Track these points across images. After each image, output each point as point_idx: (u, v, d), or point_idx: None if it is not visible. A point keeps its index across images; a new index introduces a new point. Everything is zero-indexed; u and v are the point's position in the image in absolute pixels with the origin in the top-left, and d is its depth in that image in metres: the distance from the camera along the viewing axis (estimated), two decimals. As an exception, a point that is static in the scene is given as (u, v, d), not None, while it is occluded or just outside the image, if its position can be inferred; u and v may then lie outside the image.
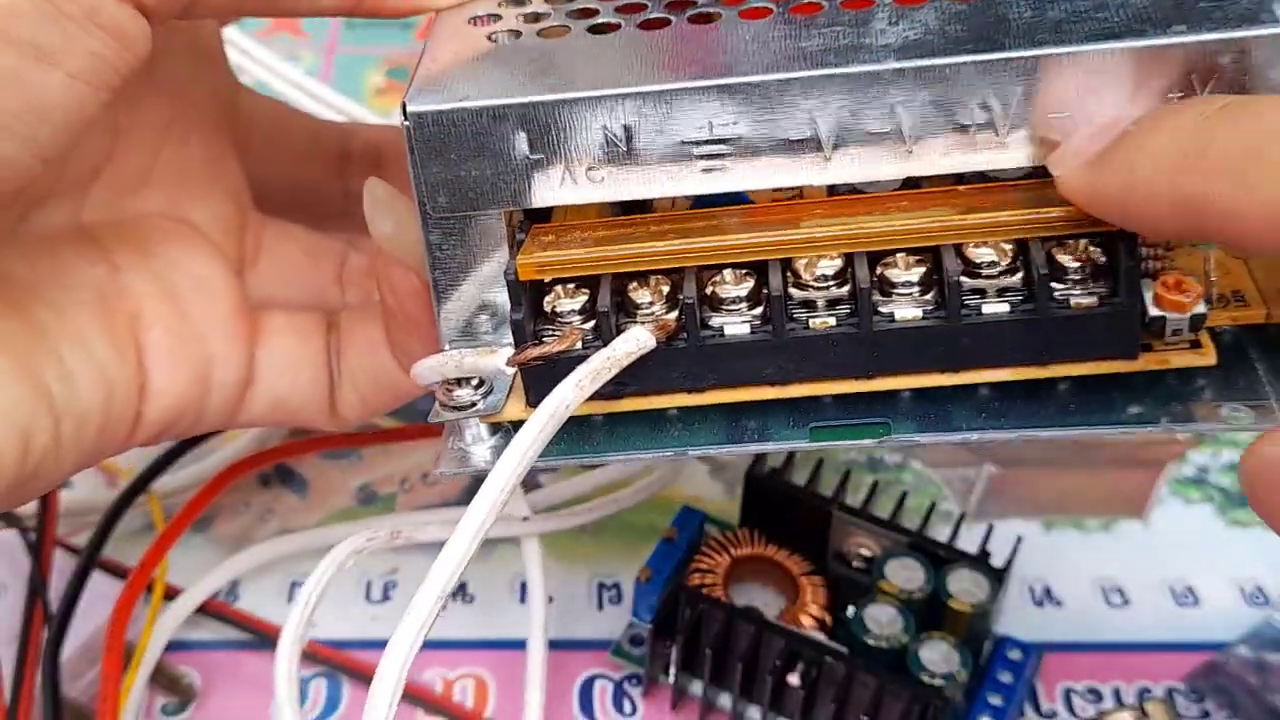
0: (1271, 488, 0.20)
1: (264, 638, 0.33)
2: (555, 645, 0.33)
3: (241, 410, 0.28)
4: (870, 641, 0.30)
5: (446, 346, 0.25)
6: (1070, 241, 0.22)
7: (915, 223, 0.22)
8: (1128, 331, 0.22)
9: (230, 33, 0.47)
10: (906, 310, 0.23)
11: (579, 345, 0.23)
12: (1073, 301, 0.22)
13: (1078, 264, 0.22)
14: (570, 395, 0.22)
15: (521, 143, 0.22)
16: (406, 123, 0.22)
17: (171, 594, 0.33)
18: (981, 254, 0.23)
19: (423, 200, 0.23)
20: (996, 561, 0.31)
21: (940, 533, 0.32)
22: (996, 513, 0.37)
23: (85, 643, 0.31)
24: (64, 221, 0.27)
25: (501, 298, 0.24)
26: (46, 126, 0.22)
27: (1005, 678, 0.31)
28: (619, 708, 0.32)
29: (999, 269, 0.23)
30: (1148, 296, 0.22)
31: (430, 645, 0.33)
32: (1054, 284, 0.22)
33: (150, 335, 0.26)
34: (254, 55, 0.49)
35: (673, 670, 0.31)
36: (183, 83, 0.28)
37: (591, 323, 0.23)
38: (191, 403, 0.27)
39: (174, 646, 0.33)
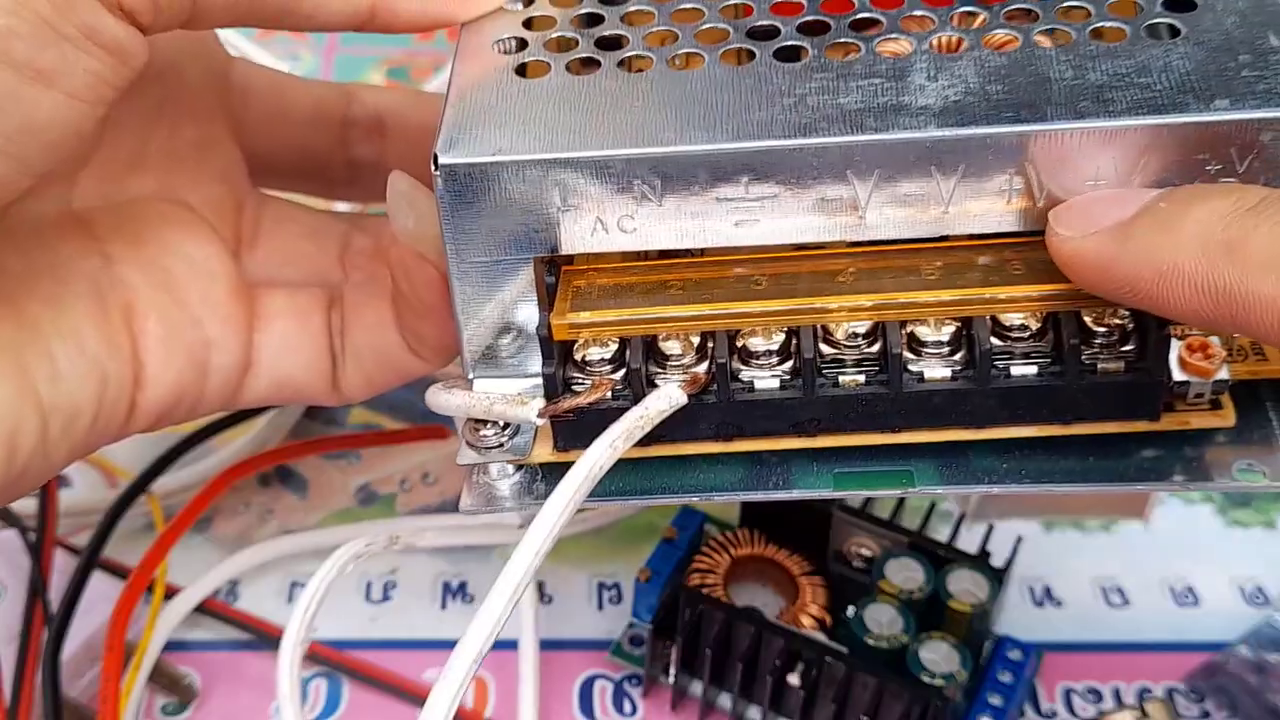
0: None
1: (264, 638, 0.33)
2: (555, 645, 0.34)
3: (242, 392, 0.27)
4: (870, 641, 0.30)
5: (471, 374, 0.25)
6: (1101, 306, 0.23)
7: (948, 295, 0.22)
8: (1153, 396, 0.23)
9: (228, 34, 0.47)
10: (936, 370, 0.23)
11: (609, 395, 0.23)
12: (1100, 367, 0.23)
13: (1105, 329, 0.23)
14: (604, 455, 0.22)
15: (554, 196, 0.22)
16: (437, 174, 0.22)
17: (172, 594, 0.33)
18: (1012, 319, 0.23)
19: (452, 248, 0.23)
20: (996, 562, 0.31)
21: (940, 533, 0.32)
22: (996, 513, 0.37)
23: (85, 642, 0.32)
24: (54, 210, 0.26)
25: (523, 317, 0.24)
26: (39, 145, 0.22)
27: (1005, 678, 0.31)
28: (619, 708, 0.32)
29: (1029, 334, 0.23)
30: (1172, 359, 0.23)
31: (430, 645, 0.34)
32: (1084, 350, 0.23)
33: (145, 324, 0.26)
34: (252, 56, 0.49)
35: (673, 670, 0.31)
36: (172, 65, 0.27)
37: (621, 372, 0.23)
38: (189, 388, 0.26)
39: (174, 646, 0.33)
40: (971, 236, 0.23)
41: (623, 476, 0.24)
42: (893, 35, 0.23)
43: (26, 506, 0.34)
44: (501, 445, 0.24)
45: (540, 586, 0.35)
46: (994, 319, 0.23)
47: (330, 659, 0.33)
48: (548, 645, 0.34)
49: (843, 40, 0.23)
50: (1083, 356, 0.23)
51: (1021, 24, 0.23)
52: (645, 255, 0.24)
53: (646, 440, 0.23)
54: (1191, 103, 0.21)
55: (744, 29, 0.24)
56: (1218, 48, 0.22)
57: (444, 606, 0.34)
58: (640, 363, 0.23)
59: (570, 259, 0.24)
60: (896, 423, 0.23)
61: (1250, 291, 0.19)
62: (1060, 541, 0.36)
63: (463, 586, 0.35)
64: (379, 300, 0.27)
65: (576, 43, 0.24)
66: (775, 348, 0.23)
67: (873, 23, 0.23)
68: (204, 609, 0.34)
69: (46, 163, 0.22)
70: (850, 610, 0.31)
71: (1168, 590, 0.35)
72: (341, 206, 0.36)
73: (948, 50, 0.23)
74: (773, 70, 0.23)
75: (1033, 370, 0.23)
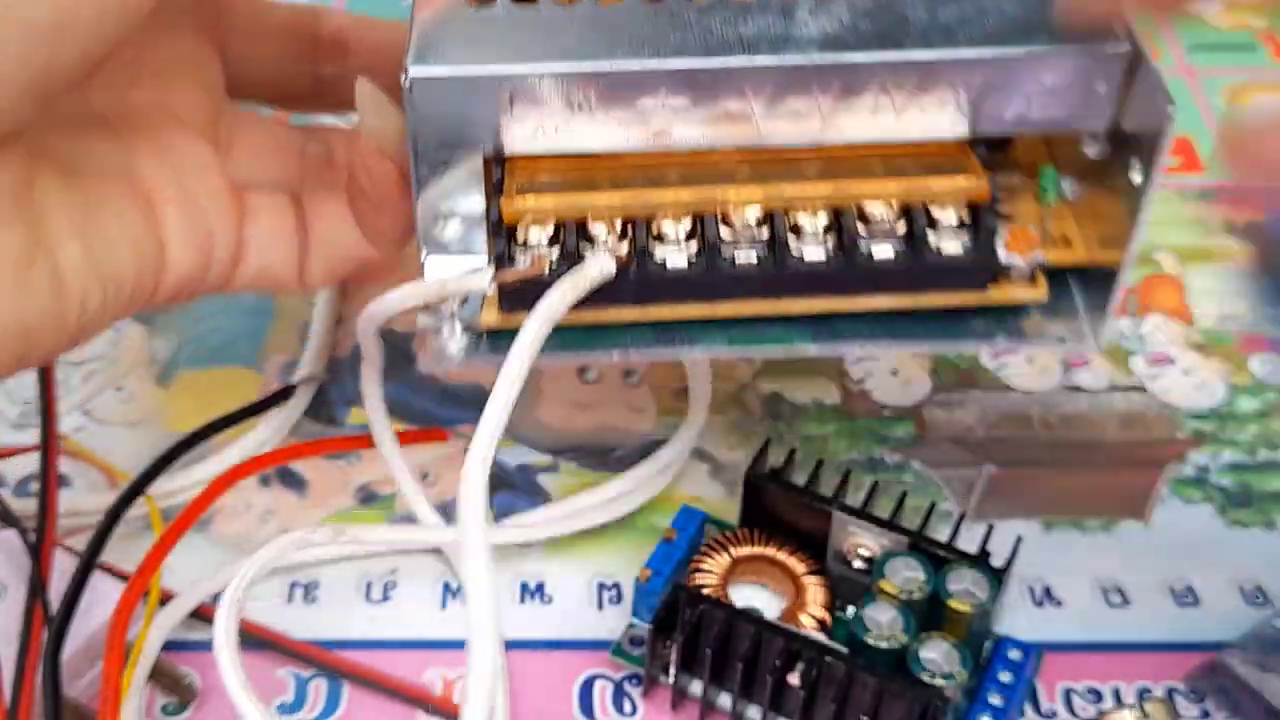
0: None
1: (263, 640, 0.33)
2: (555, 645, 0.34)
3: (232, 281, 0.31)
4: (870, 641, 0.30)
5: (423, 255, 0.29)
6: (945, 201, 0.28)
7: (823, 188, 0.28)
8: (984, 272, 0.29)
9: None
10: (813, 251, 0.28)
11: (547, 270, 0.28)
12: (942, 248, 0.28)
13: (948, 218, 0.28)
14: (557, 300, 0.27)
15: (505, 103, 0.26)
16: (407, 84, 0.26)
17: (169, 598, 0.33)
18: (874, 209, 0.28)
19: (415, 143, 0.27)
20: (996, 562, 0.31)
21: (940, 533, 0.32)
22: (996, 513, 0.37)
23: (86, 643, 0.31)
24: (80, 110, 0.28)
25: (467, 207, 0.28)
26: (109, 26, 0.25)
27: (1005, 677, 0.31)
28: (619, 708, 0.32)
29: (887, 221, 0.28)
30: (999, 244, 0.28)
31: (431, 645, 0.34)
32: (930, 234, 0.28)
33: (165, 212, 0.29)
34: None
35: (672, 670, 0.31)
36: None
37: (557, 249, 0.28)
38: (196, 274, 0.30)
39: (174, 646, 0.33)
40: (844, 144, 0.28)
41: (559, 339, 0.28)
42: None
43: (26, 507, 0.34)
44: (453, 314, 0.29)
45: (540, 586, 0.35)
46: (859, 209, 0.28)
47: (330, 660, 0.33)
48: (547, 645, 0.34)
49: None
50: (929, 239, 0.28)
51: None
52: (579, 157, 0.28)
53: (577, 308, 0.28)
54: (1017, 39, 0.26)
55: None
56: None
57: (444, 607, 0.34)
58: (574, 241, 0.28)
59: (511, 157, 0.28)
60: (781, 293, 0.29)
61: None
62: (1060, 541, 0.36)
63: (463, 587, 0.35)
64: (337, 199, 0.31)
65: None
66: (685, 232, 0.28)
67: None
68: (202, 615, 0.33)
69: (105, 48, 0.25)
70: (850, 610, 0.31)
71: (1168, 590, 0.35)
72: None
73: None
74: (683, 6, 0.27)
75: (889, 251, 0.28)
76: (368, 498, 0.37)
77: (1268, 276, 0.44)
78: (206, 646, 0.33)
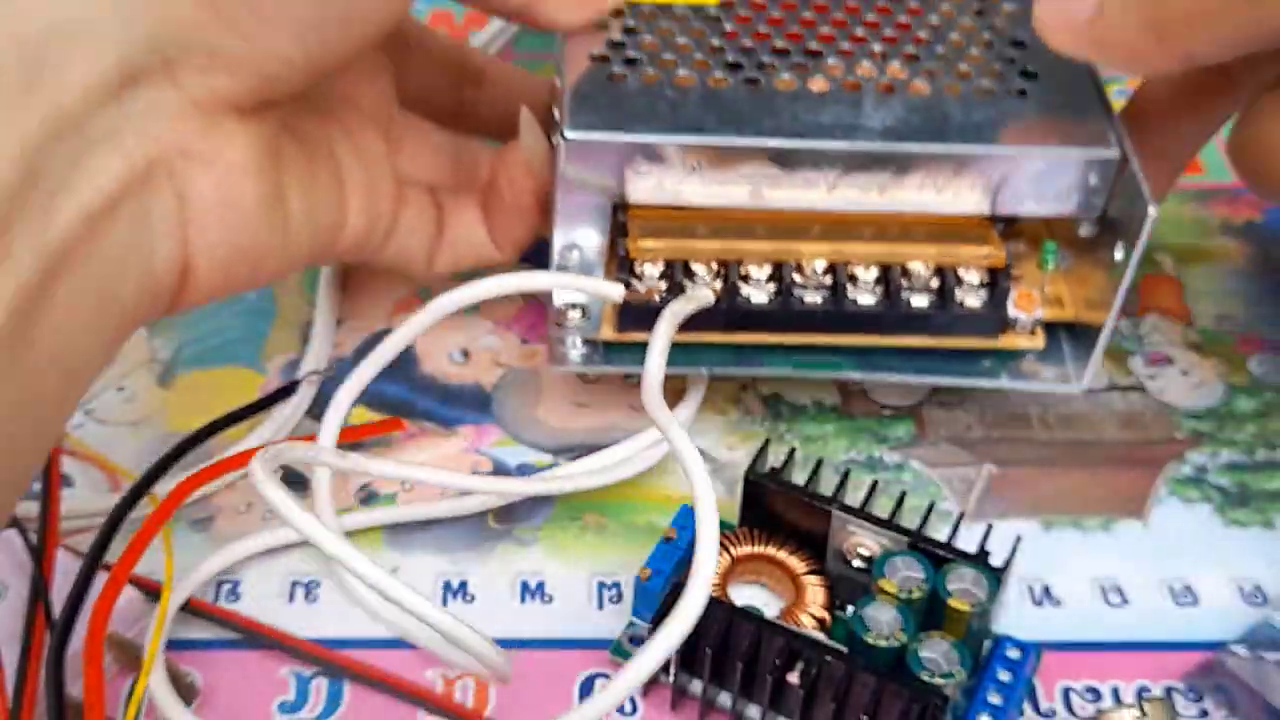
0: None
1: (262, 638, 0.33)
2: (555, 644, 0.34)
3: (380, 254, 0.37)
4: (870, 640, 0.30)
5: (553, 268, 0.35)
6: (970, 265, 0.35)
7: (876, 249, 0.35)
8: (997, 324, 0.36)
9: None
10: (865, 298, 0.35)
11: (658, 298, 0.34)
12: (965, 303, 0.35)
13: (971, 279, 0.35)
14: (670, 319, 0.32)
15: (635, 163, 0.33)
16: (562, 143, 0.32)
17: (152, 590, 0.33)
18: (915, 267, 0.35)
19: (560, 188, 0.33)
20: (995, 561, 0.32)
21: (940, 532, 0.32)
22: (996, 513, 0.37)
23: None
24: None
25: (591, 242, 0.35)
26: (372, 28, 0.32)
27: (1005, 677, 0.31)
28: (619, 707, 0.32)
29: (924, 278, 0.35)
30: (1009, 302, 0.35)
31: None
32: (957, 291, 0.35)
33: (351, 188, 0.35)
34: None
35: (672, 670, 0.31)
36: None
37: (665, 283, 0.35)
38: (361, 240, 0.35)
39: (176, 646, 0.33)
40: (896, 212, 0.34)
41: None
42: (851, 78, 0.34)
43: (27, 509, 0.34)
44: (577, 327, 0.35)
45: (540, 585, 0.35)
46: (903, 266, 0.35)
47: (330, 659, 0.33)
48: (548, 644, 0.34)
49: (819, 75, 0.34)
50: (956, 295, 0.35)
51: (934, 75, 0.34)
52: (685, 209, 0.34)
53: (678, 330, 0.33)
54: (1033, 141, 0.33)
55: (755, 62, 0.35)
56: (1052, 105, 0.34)
57: (445, 605, 0.35)
58: (680, 277, 0.35)
59: (634, 205, 0.34)
60: (837, 330, 0.35)
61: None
62: (1059, 541, 0.36)
63: (463, 585, 0.35)
64: (473, 206, 0.38)
65: (644, 60, 0.34)
66: (766, 275, 0.35)
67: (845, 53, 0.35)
68: (200, 612, 0.34)
69: (370, 42, 0.32)
70: (849, 610, 0.31)
71: (1166, 590, 0.35)
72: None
73: (886, 91, 0.34)
74: (775, 93, 0.34)
75: (925, 301, 0.35)
76: (368, 497, 0.37)
77: (1266, 277, 0.44)
78: (207, 646, 0.33)
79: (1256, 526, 0.37)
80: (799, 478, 0.33)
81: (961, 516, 0.33)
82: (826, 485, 0.33)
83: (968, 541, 0.32)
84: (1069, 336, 0.36)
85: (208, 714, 0.32)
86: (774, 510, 0.33)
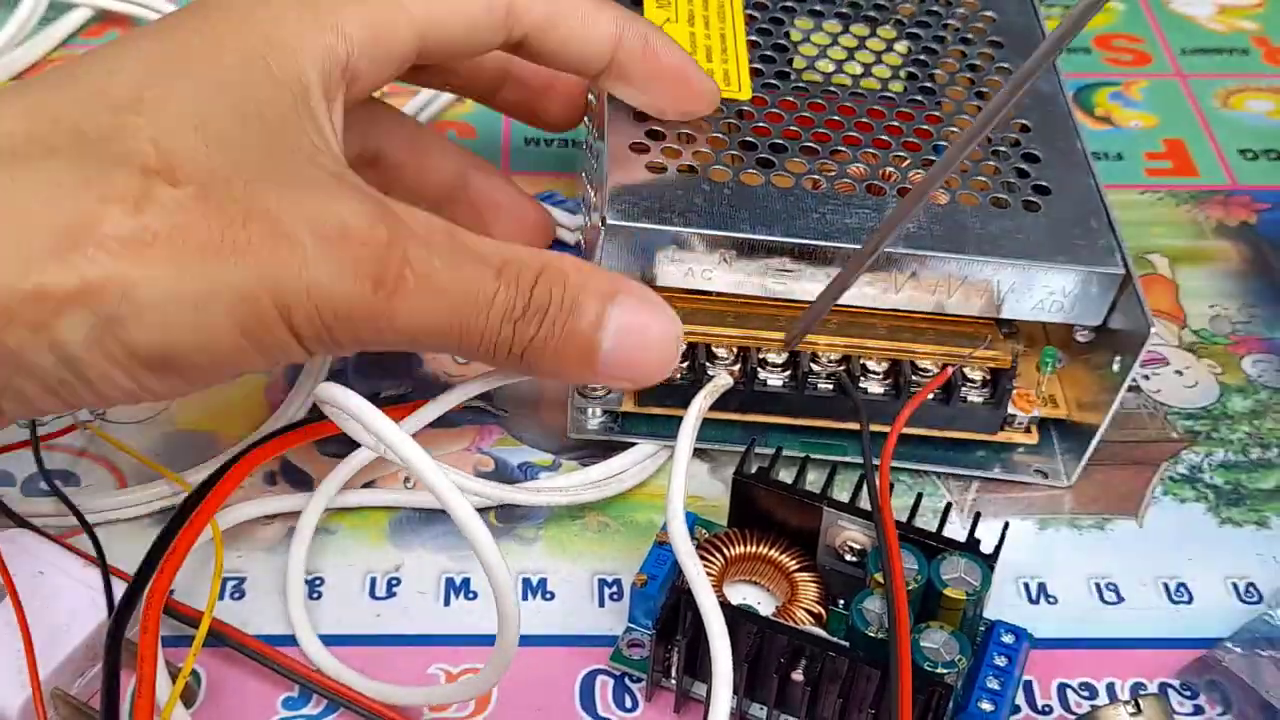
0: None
1: (260, 657, 0.33)
2: (556, 641, 0.34)
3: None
4: (871, 634, 0.30)
5: None
6: (976, 364, 0.37)
7: (888, 345, 0.36)
8: (996, 421, 0.37)
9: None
10: (875, 388, 0.37)
11: (678, 377, 0.36)
12: (969, 398, 0.37)
13: (975, 378, 0.37)
14: (701, 401, 0.34)
15: (668, 249, 0.34)
16: (603, 229, 0.34)
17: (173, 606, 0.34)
18: (924, 363, 0.36)
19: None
20: (985, 548, 0.32)
21: (929, 523, 0.33)
22: (992, 511, 0.37)
23: (86, 642, 0.32)
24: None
25: None
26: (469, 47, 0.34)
27: (1000, 661, 0.31)
28: (620, 704, 0.33)
29: (931, 373, 0.36)
30: (1009, 402, 0.37)
31: (434, 641, 0.34)
32: (962, 387, 0.36)
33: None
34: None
35: (676, 673, 0.32)
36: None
37: (687, 363, 0.36)
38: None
39: (176, 644, 0.33)
40: (909, 311, 0.36)
41: (673, 427, 0.33)
42: (874, 182, 0.36)
43: (30, 508, 0.34)
44: (601, 396, 0.37)
45: (542, 582, 0.35)
46: (912, 363, 0.36)
47: (324, 684, 0.32)
48: (549, 641, 0.34)
49: (845, 179, 0.36)
50: (960, 391, 0.36)
51: (951, 187, 0.36)
52: (709, 293, 0.36)
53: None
54: (1043, 255, 0.34)
55: (784, 162, 0.36)
56: (1062, 220, 0.35)
57: (447, 604, 0.35)
58: (702, 359, 0.36)
59: (663, 289, 0.34)
60: (847, 417, 0.37)
61: None
62: (1055, 539, 0.37)
63: (466, 583, 0.35)
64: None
65: (680, 153, 0.36)
66: (782, 362, 0.36)
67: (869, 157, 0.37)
68: (192, 620, 0.33)
69: (451, 57, 0.34)
70: (843, 604, 0.31)
71: (1161, 587, 0.36)
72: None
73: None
74: (804, 194, 0.35)
75: (930, 395, 0.36)
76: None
77: (1259, 277, 0.44)
78: (209, 645, 0.33)
79: (1250, 525, 0.37)
80: (785, 476, 0.33)
81: (949, 506, 0.33)
82: (816, 484, 0.33)
83: (959, 533, 0.32)
84: (1060, 432, 0.38)
85: (208, 715, 0.32)
86: (764, 509, 0.34)
